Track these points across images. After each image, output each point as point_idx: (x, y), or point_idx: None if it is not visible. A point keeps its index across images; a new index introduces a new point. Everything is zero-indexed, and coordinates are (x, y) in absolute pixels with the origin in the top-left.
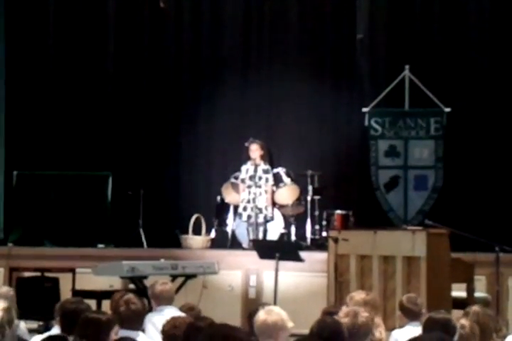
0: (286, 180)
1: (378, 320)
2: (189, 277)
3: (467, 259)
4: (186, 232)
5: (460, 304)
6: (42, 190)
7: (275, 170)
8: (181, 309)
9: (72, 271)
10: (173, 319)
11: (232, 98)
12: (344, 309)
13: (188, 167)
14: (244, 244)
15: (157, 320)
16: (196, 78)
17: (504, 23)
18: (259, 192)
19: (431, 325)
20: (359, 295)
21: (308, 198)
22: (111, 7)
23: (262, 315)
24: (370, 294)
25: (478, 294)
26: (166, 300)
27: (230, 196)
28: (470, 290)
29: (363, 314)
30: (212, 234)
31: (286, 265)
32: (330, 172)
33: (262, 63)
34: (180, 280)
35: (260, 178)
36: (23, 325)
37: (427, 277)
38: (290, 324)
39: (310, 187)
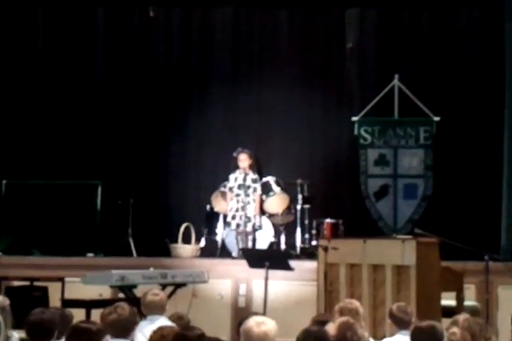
0: (276, 188)
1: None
2: (179, 286)
3: (457, 268)
4: (176, 241)
5: (450, 313)
6: (31, 199)
7: (265, 179)
8: (170, 318)
9: (61, 280)
10: (161, 328)
11: (221, 107)
12: (337, 320)
13: (177, 176)
14: (234, 253)
15: (148, 330)
16: (186, 87)
17: (493, 32)
18: (248, 201)
19: (418, 335)
20: (342, 305)
21: (298, 207)
22: (100, 17)
23: (252, 326)
24: (353, 303)
25: (467, 303)
26: (158, 309)
27: (219, 205)
28: (459, 298)
29: (357, 326)
30: (202, 243)
31: (275, 274)
32: (319, 181)
33: (252, 72)
34: (169, 289)
35: (249, 187)
36: (15, 337)
37: (416, 286)
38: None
39: (300, 196)
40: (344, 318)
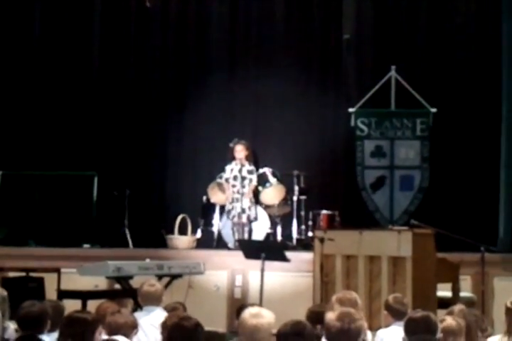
0: (272, 180)
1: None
2: (175, 277)
3: (452, 259)
4: (172, 232)
5: (445, 304)
6: (27, 190)
7: (261, 170)
8: (165, 309)
9: (58, 271)
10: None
11: (218, 98)
12: (336, 312)
13: (173, 167)
14: (230, 244)
15: (144, 320)
16: (182, 78)
17: (490, 23)
18: (244, 192)
19: (412, 326)
20: (341, 295)
21: (295, 198)
22: (97, 7)
23: (251, 318)
24: (352, 293)
25: (463, 294)
26: (154, 300)
27: (215, 196)
28: (455, 290)
29: (357, 317)
30: (198, 234)
31: (271, 265)
32: (316, 172)
33: (249, 63)
34: (166, 280)
35: (245, 178)
36: (12, 328)
37: (412, 277)
38: (274, 330)
39: (296, 187)
40: (346, 308)
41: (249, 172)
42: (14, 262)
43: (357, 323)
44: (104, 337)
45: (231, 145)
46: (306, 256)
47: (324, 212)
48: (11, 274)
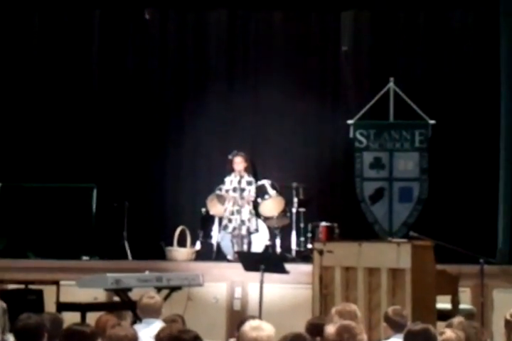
0: (272, 192)
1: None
2: (174, 289)
3: (452, 271)
4: (171, 244)
5: (445, 316)
6: (26, 202)
7: (260, 182)
8: (164, 321)
9: (57, 283)
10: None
11: (217, 110)
12: (336, 326)
13: (172, 179)
14: (229, 256)
15: (144, 333)
16: (181, 90)
17: (488, 35)
18: (243, 203)
19: (412, 338)
20: (341, 308)
21: (294, 210)
22: (96, 19)
23: (251, 331)
24: (351, 306)
25: (463, 306)
26: (153, 313)
27: (214, 208)
28: (455, 302)
29: (357, 331)
30: (197, 246)
31: (271, 277)
32: (315, 184)
33: (247, 76)
34: (165, 292)
35: (244, 190)
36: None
37: (411, 289)
38: None
39: (295, 199)
40: (346, 322)
41: (248, 183)
42: (13, 274)
43: (357, 338)
44: None
45: (230, 157)
46: (305, 268)
47: (323, 223)
48: (10, 286)
